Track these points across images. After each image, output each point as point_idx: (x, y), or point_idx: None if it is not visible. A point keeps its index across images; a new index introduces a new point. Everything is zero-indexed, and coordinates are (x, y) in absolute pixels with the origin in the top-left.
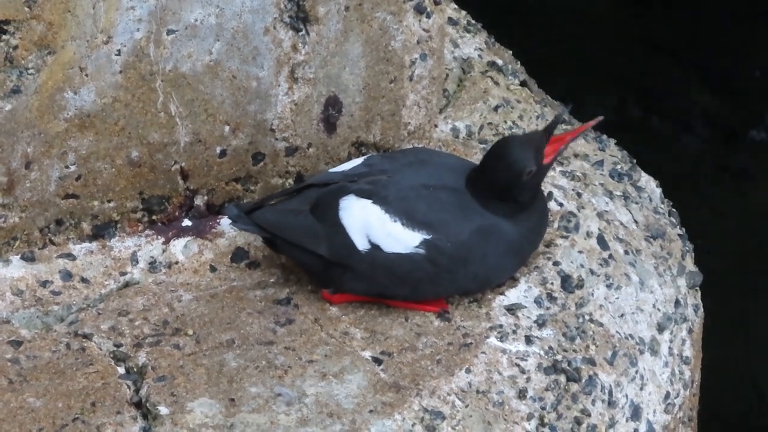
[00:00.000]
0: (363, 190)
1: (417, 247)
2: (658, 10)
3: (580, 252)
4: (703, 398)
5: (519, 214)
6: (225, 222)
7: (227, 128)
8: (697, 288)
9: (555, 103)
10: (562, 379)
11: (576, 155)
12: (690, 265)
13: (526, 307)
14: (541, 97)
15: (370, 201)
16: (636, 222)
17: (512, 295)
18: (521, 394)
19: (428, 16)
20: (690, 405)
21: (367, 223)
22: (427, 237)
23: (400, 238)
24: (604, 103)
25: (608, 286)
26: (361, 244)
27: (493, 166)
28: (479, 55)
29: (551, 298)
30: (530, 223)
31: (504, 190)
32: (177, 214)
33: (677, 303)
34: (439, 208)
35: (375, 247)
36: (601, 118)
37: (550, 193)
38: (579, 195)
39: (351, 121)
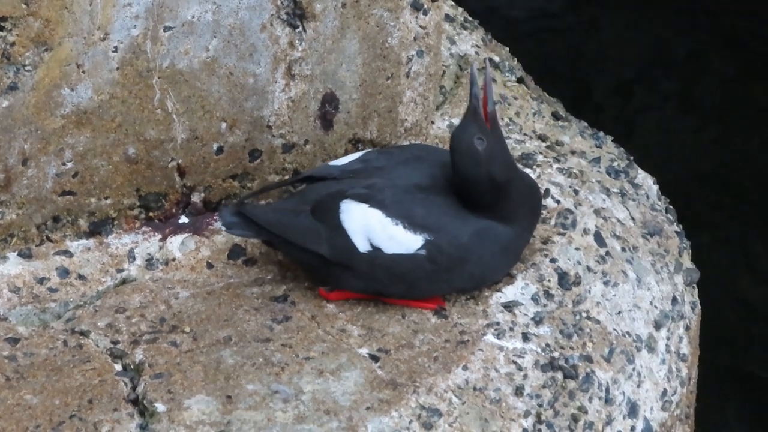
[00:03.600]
0: (360, 194)
1: (418, 249)
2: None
3: (577, 249)
4: (700, 395)
5: (507, 202)
6: None
7: (224, 125)
8: (694, 285)
9: (552, 99)
10: (559, 376)
11: (573, 152)
12: (687, 262)
13: (523, 304)
14: (537, 94)
15: (367, 205)
16: (633, 219)
17: (509, 293)
18: (518, 391)
19: (425, 13)
20: (687, 402)
21: (368, 226)
22: (429, 239)
23: (402, 241)
24: (602, 100)
25: (605, 283)
26: (362, 246)
27: (457, 164)
28: (476, 52)
29: (548, 295)
30: (522, 217)
31: (474, 182)
32: (174, 211)
33: (674, 300)
34: (436, 211)
35: (376, 249)
36: (486, 61)
37: (547, 190)
38: (576, 192)
39: (348, 118)
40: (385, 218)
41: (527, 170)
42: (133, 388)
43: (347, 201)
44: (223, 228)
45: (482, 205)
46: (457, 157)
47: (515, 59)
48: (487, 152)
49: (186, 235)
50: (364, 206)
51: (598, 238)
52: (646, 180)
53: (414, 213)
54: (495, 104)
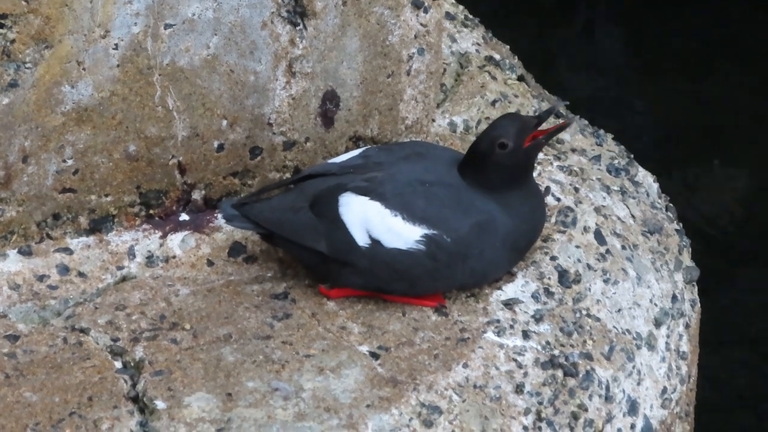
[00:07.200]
0: (360, 187)
1: (417, 241)
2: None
3: (578, 247)
4: (699, 393)
5: (494, 192)
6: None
7: (225, 122)
8: (694, 283)
9: (552, 97)
10: (559, 374)
11: (573, 150)
12: (687, 260)
13: (523, 301)
14: (538, 92)
15: (367, 198)
16: (633, 217)
17: (509, 290)
18: (518, 389)
19: (426, 11)
20: (687, 400)
21: (367, 218)
22: (427, 232)
23: (401, 233)
24: (602, 98)
25: (605, 281)
26: (362, 240)
27: (481, 133)
28: (477, 50)
29: (548, 292)
30: (524, 214)
31: (478, 157)
32: (174, 208)
33: (674, 298)
34: (437, 203)
35: (375, 243)
36: (576, 117)
37: (548, 188)
38: (576, 190)
39: (348, 116)
40: (384, 209)
41: None
42: (133, 386)
43: (347, 194)
44: (223, 220)
45: (472, 177)
46: (484, 132)
47: (516, 57)
48: (501, 158)
49: (186, 232)
50: (364, 198)
51: (599, 236)
52: (646, 178)
53: (414, 205)
54: (545, 142)
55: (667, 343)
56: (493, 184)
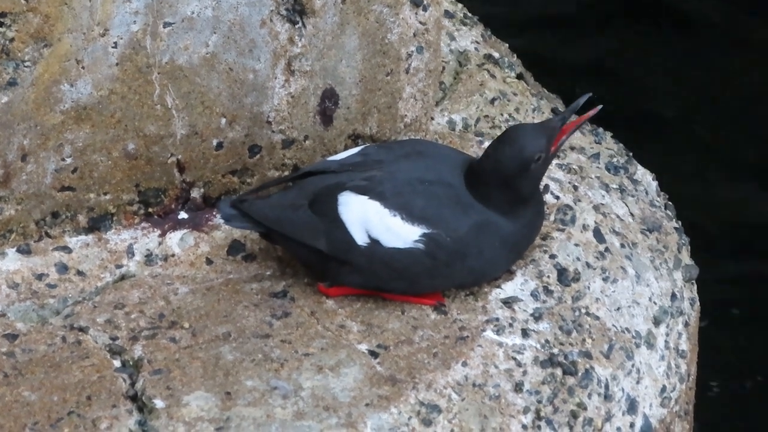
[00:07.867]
0: (359, 186)
1: (416, 241)
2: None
3: (577, 245)
4: (699, 392)
5: (516, 207)
6: None
7: (224, 121)
8: (693, 281)
9: (552, 95)
10: (559, 372)
11: (572, 148)
12: (686, 258)
13: (522, 300)
14: (537, 90)
15: (366, 197)
16: (632, 215)
17: (509, 288)
18: (517, 388)
19: (425, 9)
20: (686, 399)
21: (366, 218)
22: (427, 231)
23: (400, 233)
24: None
25: (604, 280)
26: (361, 239)
27: (501, 151)
28: (476, 48)
29: (547, 291)
30: (526, 217)
31: (508, 178)
32: (173, 206)
33: (673, 296)
34: (436, 203)
35: (374, 242)
36: (599, 107)
37: (547, 186)
38: (575, 188)
39: (347, 114)
40: (383, 209)
41: None
42: (132, 385)
43: (346, 193)
44: (222, 220)
45: (490, 198)
46: (510, 152)
47: (515, 55)
48: (535, 171)
49: (185, 230)
50: (363, 198)
51: (598, 234)
52: (645, 176)
53: (413, 204)
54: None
55: (666, 341)
56: (522, 198)
